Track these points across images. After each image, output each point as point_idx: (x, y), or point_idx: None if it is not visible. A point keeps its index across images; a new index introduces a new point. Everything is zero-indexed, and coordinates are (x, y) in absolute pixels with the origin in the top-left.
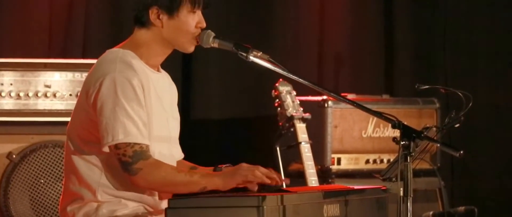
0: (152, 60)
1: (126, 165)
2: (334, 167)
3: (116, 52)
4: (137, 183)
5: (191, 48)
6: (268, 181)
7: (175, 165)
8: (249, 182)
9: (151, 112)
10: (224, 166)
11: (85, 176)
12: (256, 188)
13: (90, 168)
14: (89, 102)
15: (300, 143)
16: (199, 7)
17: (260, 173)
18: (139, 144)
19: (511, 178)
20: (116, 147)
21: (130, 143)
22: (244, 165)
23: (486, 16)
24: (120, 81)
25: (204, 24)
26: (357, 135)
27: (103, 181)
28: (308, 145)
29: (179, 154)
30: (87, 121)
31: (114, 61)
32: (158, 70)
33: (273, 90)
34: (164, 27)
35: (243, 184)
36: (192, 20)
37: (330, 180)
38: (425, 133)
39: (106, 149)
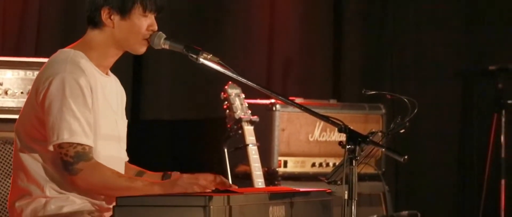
0: (102, 62)
1: (67, 165)
2: (281, 170)
3: (67, 53)
4: (76, 184)
5: (141, 50)
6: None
7: (123, 166)
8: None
9: (98, 113)
10: (172, 173)
11: (33, 173)
12: None
13: (38, 165)
14: (38, 100)
15: (248, 145)
16: (151, 11)
17: (200, 186)
18: (82, 144)
19: (454, 183)
20: (60, 146)
21: (73, 143)
22: (185, 176)
23: (433, 24)
24: (68, 81)
25: (155, 27)
26: (304, 139)
27: (51, 178)
28: (256, 147)
29: (125, 156)
30: (35, 119)
31: (65, 62)
32: (107, 74)
33: (222, 93)
34: (115, 27)
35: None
36: (144, 22)
37: (276, 182)
38: (371, 138)
39: (51, 148)
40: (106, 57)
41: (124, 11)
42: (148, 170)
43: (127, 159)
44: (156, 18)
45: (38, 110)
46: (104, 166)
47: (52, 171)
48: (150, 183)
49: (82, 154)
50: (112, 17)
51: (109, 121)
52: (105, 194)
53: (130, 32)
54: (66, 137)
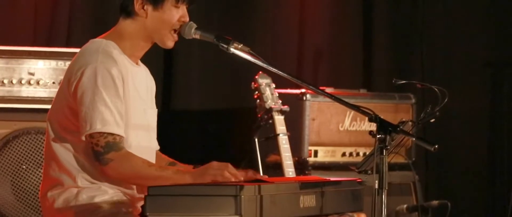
0: (133, 52)
1: (98, 155)
2: (311, 159)
3: (99, 43)
4: (107, 173)
5: (170, 44)
6: (236, 181)
7: (153, 156)
8: (218, 181)
9: (129, 102)
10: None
11: (65, 163)
12: None
13: (70, 155)
14: (70, 90)
15: (278, 134)
16: (183, 3)
17: (229, 173)
18: (113, 134)
19: (484, 173)
20: (91, 136)
21: (104, 133)
22: (215, 164)
23: (462, 14)
24: (101, 71)
25: (187, 19)
26: (334, 128)
27: (83, 168)
28: (286, 137)
29: (155, 145)
30: (68, 109)
31: (97, 52)
32: (137, 64)
33: (253, 83)
34: (148, 17)
35: (212, 183)
36: (176, 13)
37: (306, 172)
38: (401, 127)
39: (83, 138)
40: (137, 48)
41: (157, 1)
42: (179, 160)
43: (158, 148)
44: (188, 10)
45: (70, 100)
46: (134, 155)
47: (84, 161)
48: (180, 171)
49: (112, 143)
50: (145, 7)
51: (138, 111)
52: (136, 184)
53: (162, 23)
54: (98, 127)
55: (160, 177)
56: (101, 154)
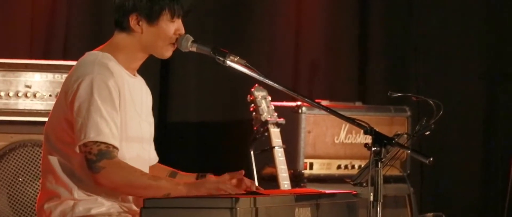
0: (129, 64)
1: (91, 163)
2: (307, 172)
3: (95, 55)
4: (99, 182)
5: (167, 54)
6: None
7: (147, 168)
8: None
9: (125, 114)
10: (207, 174)
11: (61, 175)
12: None
13: (66, 167)
14: (67, 102)
15: (274, 147)
16: (179, 16)
17: (225, 188)
18: (106, 143)
19: (479, 185)
20: (85, 145)
21: (97, 141)
22: (212, 178)
23: (457, 26)
24: (97, 83)
25: (182, 31)
26: (330, 141)
27: (79, 180)
28: (282, 150)
29: (153, 157)
30: (65, 121)
31: (93, 63)
32: (134, 75)
33: (249, 95)
34: (143, 33)
35: (207, 195)
36: (172, 27)
37: (302, 184)
38: (396, 140)
39: (77, 149)
40: (133, 60)
41: (152, 18)
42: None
43: (156, 159)
44: (183, 22)
45: (67, 112)
46: (127, 164)
47: (81, 174)
48: (174, 182)
49: (105, 152)
50: (140, 23)
51: (133, 123)
52: (129, 193)
53: (157, 38)
54: (92, 136)
55: (152, 187)
56: (93, 161)
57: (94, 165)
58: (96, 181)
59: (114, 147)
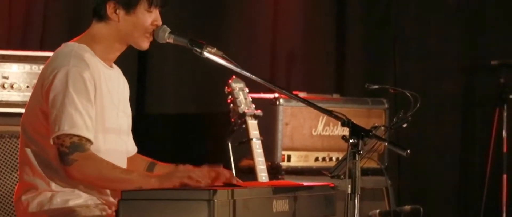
0: (106, 55)
1: (63, 155)
2: (284, 164)
3: (71, 46)
4: (70, 174)
5: (145, 45)
6: (202, 184)
7: (124, 159)
8: (184, 184)
9: (102, 106)
10: (185, 166)
11: (38, 167)
12: None
13: (43, 159)
14: (42, 94)
15: (252, 139)
16: (156, 6)
17: (196, 176)
18: (79, 136)
19: (457, 178)
20: (58, 137)
21: (69, 134)
22: (181, 167)
23: (436, 19)
24: (72, 75)
25: (160, 22)
26: (307, 133)
27: (56, 172)
28: (259, 142)
29: (132, 148)
30: (41, 113)
31: (69, 55)
32: (111, 66)
33: (226, 87)
34: (120, 22)
35: (179, 186)
36: (149, 17)
37: (280, 176)
38: (374, 132)
39: (51, 141)
40: (110, 51)
41: (129, 6)
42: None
43: (135, 150)
44: (160, 13)
45: (43, 103)
46: (99, 157)
47: (57, 165)
48: (146, 175)
49: (78, 144)
50: (117, 11)
51: (110, 114)
52: (100, 186)
53: (134, 27)
54: (66, 128)
55: (125, 180)
56: (65, 154)
57: (66, 157)
58: (67, 173)
59: (87, 139)
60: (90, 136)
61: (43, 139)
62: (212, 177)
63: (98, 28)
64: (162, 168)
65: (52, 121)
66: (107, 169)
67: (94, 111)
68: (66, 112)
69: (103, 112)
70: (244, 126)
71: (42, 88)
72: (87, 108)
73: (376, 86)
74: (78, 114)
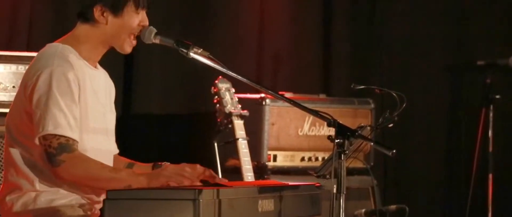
0: (91, 56)
1: (50, 156)
2: (270, 164)
3: (55, 47)
4: (59, 175)
5: (128, 48)
6: (189, 184)
7: (111, 159)
8: (173, 184)
9: (86, 106)
10: (163, 163)
11: (23, 167)
12: None
13: (28, 159)
14: (26, 94)
15: (238, 139)
16: (143, 8)
17: (184, 176)
18: (65, 137)
19: (442, 177)
20: (44, 138)
21: (56, 135)
22: (170, 166)
23: (421, 18)
24: (56, 75)
25: (146, 23)
26: (294, 133)
27: (40, 172)
28: (245, 142)
29: (114, 148)
30: (24, 113)
31: (53, 56)
32: (95, 67)
33: (213, 87)
34: (108, 24)
35: (167, 185)
36: (136, 18)
37: (265, 176)
38: (360, 132)
39: (36, 141)
40: (94, 52)
41: (117, 9)
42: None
43: (117, 151)
44: (146, 14)
45: (26, 104)
46: (87, 157)
47: (42, 166)
48: (135, 173)
49: (65, 145)
50: (105, 14)
51: (97, 114)
52: (89, 186)
53: (121, 29)
54: (50, 129)
55: (113, 179)
56: (53, 155)
57: (54, 158)
58: (56, 174)
59: (74, 140)
60: (75, 136)
61: (27, 139)
62: (200, 176)
63: (83, 29)
64: (140, 167)
65: (36, 121)
66: (95, 168)
67: (78, 111)
68: (50, 113)
69: (88, 112)
70: (230, 126)
71: (26, 89)
72: (71, 108)
73: (362, 87)
74: (62, 114)
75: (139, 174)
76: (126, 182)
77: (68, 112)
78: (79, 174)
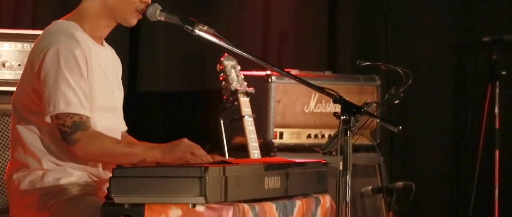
0: (96, 33)
1: (65, 135)
2: (276, 141)
3: (61, 24)
4: (75, 153)
5: (133, 21)
6: (204, 161)
7: (119, 137)
8: (187, 158)
9: (93, 83)
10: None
11: (30, 145)
12: None
13: (35, 137)
14: (33, 72)
15: (244, 116)
16: None
17: (200, 153)
18: (78, 114)
19: (449, 154)
20: (57, 117)
21: (70, 113)
22: (186, 141)
23: None
24: (63, 52)
25: (149, 0)
26: (300, 110)
27: (48, 150)
28: (251, 119)
29: (122, 126)
30: (32, 91)
31: (59, 33)
32: (101, 44)
33: (218, 65)
34: None
35: (180, 159)
36: None
37: (272, 154)
38: (365, 108)
39: (48, 119)
40: (99, 27)
41: None
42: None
43: (125, 128)
44: None
45: (34, 81)
46: (102, 133)
47: (49, 143)
48: (149, 146)
49: (79, 123)
50: None
51: (104, 91)
52: (105, 162)
53: (124, 2)
54: (62, 107)
55: (129, 154)
56: (68, 134)
57: (69, 137)
58: (72, 152)
59: (87, 116)
60: (87, 112)
61: (34, 116)
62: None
63: (87, 4)
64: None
65: (46, 99)
66: (110, 144)
67: (88, 86)
68: (59, 90)
69: (95, 90)
70: (236, 103)
71: (33, 67)
72: (80, 84)
73: (368, 63)
74: (72, 91)
75: (153, 146)
76: (140, 155)
77: (78, 89)
78: (95, 151)
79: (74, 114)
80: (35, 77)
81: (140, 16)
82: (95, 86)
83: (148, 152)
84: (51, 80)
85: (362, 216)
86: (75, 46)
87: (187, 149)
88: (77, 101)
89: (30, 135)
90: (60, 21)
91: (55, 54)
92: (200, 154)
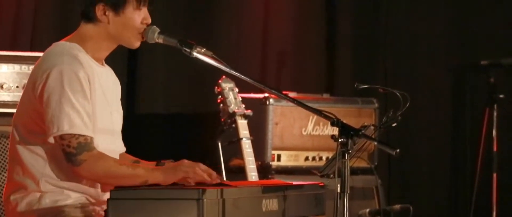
0: (97, 54)
1: (70, 156)
2: (274, 163)
3: (62, 45)
4: (80, 174)
5: (136, 44)
6: (208, 179)
7: (117, 158)
8: (189, 178)
9: (95, 105)
10: (166, 161)
11: (29, 166)
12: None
13: (34, 158)
14: (35, 94)
15: (241, 139)
16: (145, 5)
17: (201, 171)
18: (83, 135)
19: (447, 177)
20: (61, 137)
21: (75, 134)
22: (186, 161)
23: (425, 18)
24: (67, 73)
25: (149, 20)
26: (297, 133)
27: (46, 172)
28: (249, 141)
29: (121, 148)
30: (33, 112)
31: (61, 54)
32: (102, 65)
33: (216, 87)
34: (110, 23)
35: (183, 180)
36: (138, 16)
37: (270, 176)
38: (363, 131)
39: (51, 140)
40: (100, 50)
41: (118, 7)
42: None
43: (123, 150)
44: (149, 11)
45: (36, 103)
46: (106, 155)
47: (49, 164)
48: (151, 169)
49: (84, 144)
50: (106, 13)
51: (104, 114)
52: (109, 183)
53: (124, 27)
54: (66, 128)
55: (132, 175)
56: (73, 154)
57: (75, 158)
58: (77, 173)
59: (91, 137)
60: (90, 133)
61: (36, 137)
62: (214, 175)
63: (87, 28)
64: (144, 165)
65: (49, 120)
66: (115, 166)
67: (91, 107)
68: (63, 112)
69: (96, 112)
70: (234, 125)
71: (34, 88)
72: (84, 106)
73: (366, 86)
74: (75, 113)
75: (155, 169)
76: (143, 177)
77: (82, 110)
78: (99, 172)
79: (80, 135)
80: (37, 99)
81: (142, 38)
82: (96, 108)
83: (150, 173)
84: (54, 102)
85: None
86: (79, 68)
87: (189, 169)
88: (81, 123)
89: (30, 156)
90: (61, 42)
91: (59, 75)
92: (204, 169)
